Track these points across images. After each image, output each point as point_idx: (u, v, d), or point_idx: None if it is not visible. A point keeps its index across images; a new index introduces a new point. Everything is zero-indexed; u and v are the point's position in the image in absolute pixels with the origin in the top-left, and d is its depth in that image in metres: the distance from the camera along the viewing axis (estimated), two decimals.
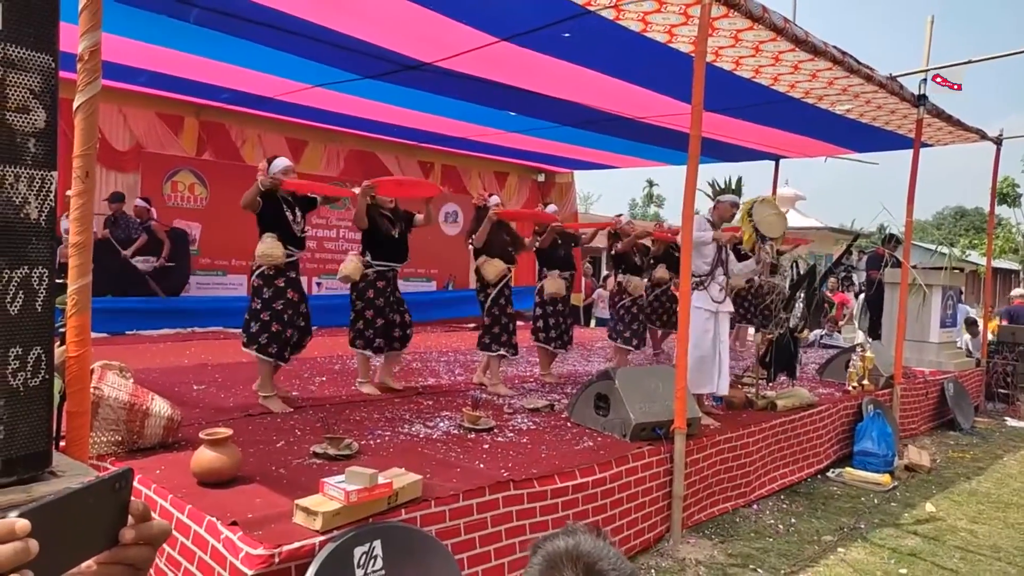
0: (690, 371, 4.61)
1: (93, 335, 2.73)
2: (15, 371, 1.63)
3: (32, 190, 1.64)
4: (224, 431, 3.17)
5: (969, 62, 6.65)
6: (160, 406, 3.64)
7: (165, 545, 2.74)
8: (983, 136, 8.02)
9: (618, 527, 3.88)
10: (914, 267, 7.87)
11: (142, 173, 9.02)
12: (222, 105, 8.96)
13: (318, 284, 10.37)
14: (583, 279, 13.27)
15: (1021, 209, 32.74)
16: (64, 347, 2.60)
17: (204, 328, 8.80)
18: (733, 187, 5.33)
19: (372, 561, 2.56)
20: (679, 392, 4.22)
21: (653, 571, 3.82)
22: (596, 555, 0.88)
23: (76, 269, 2.58)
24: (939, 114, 6.93)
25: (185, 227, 9.20)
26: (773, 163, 10.18)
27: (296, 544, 2.51)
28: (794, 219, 23.04)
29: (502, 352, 5.83)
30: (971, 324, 10.66)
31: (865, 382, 6.85)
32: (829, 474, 5.80)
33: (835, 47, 5.26)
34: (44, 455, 1.72)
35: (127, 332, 8.10)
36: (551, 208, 6.89)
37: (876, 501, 5.20)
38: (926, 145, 7.84)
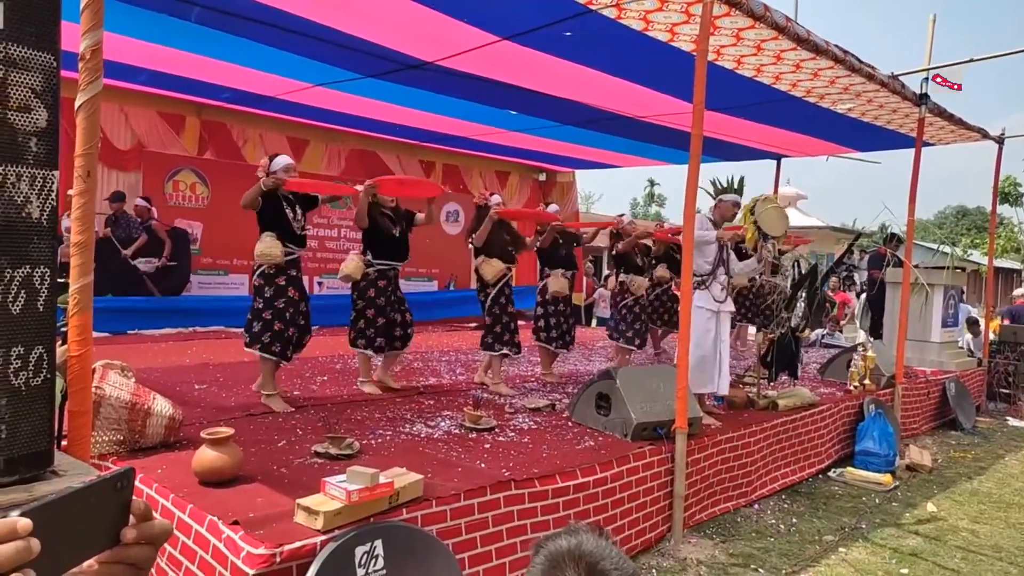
0: (691, 371, 4.61)
1: (94, 334, 2.73)
2: (17, 370, 1.63)
3: (34, 189, 1.64)
4: (225, 430, 3.17)
5: (971, 61, 6.64)
6: (162, 405, 3.64)
7: (167, 544, 2.74)
8: (985, 135, 8.01)
9: (619, 527, 3.88)
10: (916, 266, 7.86)
11: (143, 172, 9.03)
12: (223, 104, 8.97)
13: (319, 284, 10.37)
14: (584, 279, 13.27)
15: (1023, 208, 32.69)
16: (66, 346, 2.61)
17: (206, 328, 8.80)
18: (735, 186, 5.33)
19: (373, 561, 2.56)
20: (680, 392, 4.22)
21: (654, 571, 3.82)
22: (598, 555, 0.88)
23: (77, 268, 2.59)
24: (941, 113, 6.92)
25: (186, 226, 9.20)
26: (775, 162, 10.17)
27: (297, 543, 2.51)
28: (796, 218, 23.03)
29: (505, 351, 5.83)
30: (973, 324, 10.65)
31: (866, 382, 6.84)
32: (830, 474, 5.80)
33: (837, 46, 5.26)
34: (46, 454, 1.72)
35: (129, 331, 8.10)
36: (552, 207, 6.89)
37: (877, 501, 5.19)
38: (928, 144, 7.83)
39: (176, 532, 2.76)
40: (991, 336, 9.60)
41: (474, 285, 6.20)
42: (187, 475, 3.12)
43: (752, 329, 9.18)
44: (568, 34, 5.13)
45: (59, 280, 1.74)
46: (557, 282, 6.36)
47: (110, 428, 3.46)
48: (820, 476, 5.75)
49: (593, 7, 4.55)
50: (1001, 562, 4.17)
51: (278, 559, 2.43)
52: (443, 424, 4.51)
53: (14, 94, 1.59)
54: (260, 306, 4.65)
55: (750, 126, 7.91)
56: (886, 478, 5.58)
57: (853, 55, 5.45)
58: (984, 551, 4.33)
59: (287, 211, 4.74)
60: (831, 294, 12.07)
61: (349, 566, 2.49)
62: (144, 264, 8.49)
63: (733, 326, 7.39)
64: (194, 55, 6.49)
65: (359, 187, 5.26)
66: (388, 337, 5.39)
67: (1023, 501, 5.40)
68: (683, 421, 4.20)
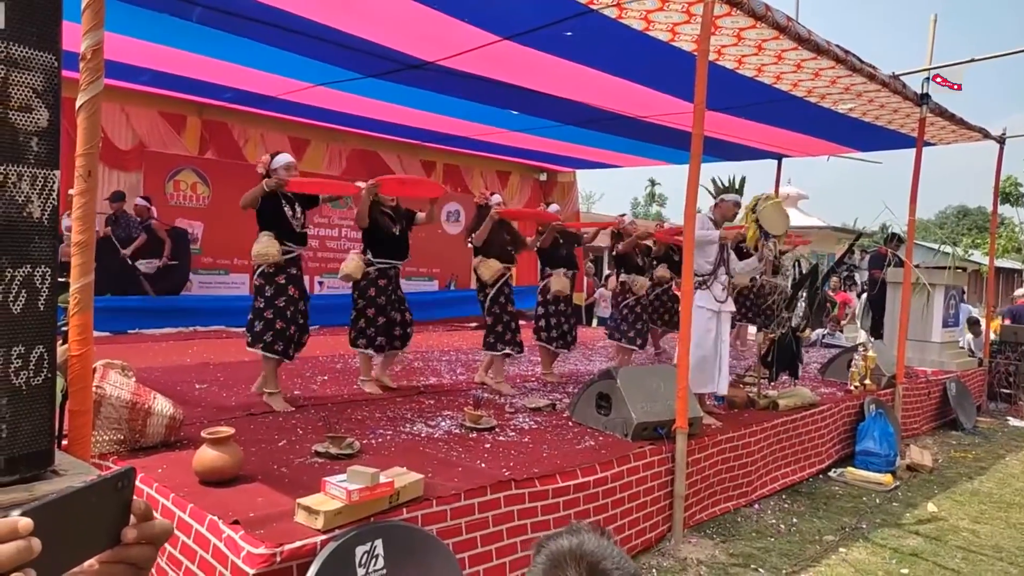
0: (692, 371, 4.61)
1: (95, 334, 2.73)
2: (18, 370, 1.63)
3: (35, 189, 1.64)
4: (226, 430, 3.17)
5: (972, 60, 6.63)
6: (162, 405, 3.65)
7: (167, 544, 2.74)
8: (986, 135, 8.01)
9: (620, 526, 3.88)
10: (916, 266, 7.85)
11: (144, 172, 9.03)
12: (225, 104, 8.97)
13: (320, 283, 10.37)
14: (585, 278, 13.27)
15: (1023, 208, 32.68)
16: (66, 346, 2.61)
17: (206, 327, 8.81)
18: (736, 186, 5.32)
19: (373, 560, 2.56)
20: (681, 391, 4.22)
21: (655, 571, 3.82)
22: (600, 554, 0.88)
23: (78, 268, 2.59)
24: (942, 113, 6.92)
25: (187, 226, 9.20)
26: (776, 162, 10.17)
27: (298, 543, 2.51)
28: (796, 218, 23.01)
29: (507, 351, 5.83)
30: (973, 324, 10.65)
31: (867, 382, 6.84)
32: (831, 474, 5.80)
33: (838, 45, 5.26)
34: (46, 454, 1.72)
35: (129, 331, 8.11)
36: (553, 207, 6.89)
37: (878, 501, 5.19)
38: (929, 144, 7.82)
39: (176, 531, 2.76)
40: (992, 336, 9.60)
41: (474, 285, 6.21)
42: (187, 474, 3.12)
43: (752, 329, 9.18)
44: (569, 34, 5.13)
45: (60, 279, 1.74)
46: (559, 282, 6.36)
47: (111, 427, 3.47)
48: (820, 476, 5.75)
49: (594, 7, 4.55)
50: (1002, 562, 4.17)
51: (278, 559, 2.43)
52: (443, 424, 4.51)
53: (15, 94, 1.60)
54: (261, 305, 4.65)
55: (751, 126, 7.91)
56: (887, 478, 5.58)
57: (854, 55, 5.45)
58: (985, 551, 4.33)
59: (286, 209, 4.74)
60: (832, 294, 12.07)
61: (349, 566, 2.49)
62: (145, 266, 8.49)
63: (733, 326, 7.39)
64: (195, 55, 6.50)
65: (360, 184, 5.25)
66: (388, 336, 5.39)
67: (1023, 501, 5.40)
68: (683, 421, 4.20)
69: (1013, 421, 8.40)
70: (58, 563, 0.65)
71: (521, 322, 6.20)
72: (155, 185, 9.03)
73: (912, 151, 7.05)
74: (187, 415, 3.92)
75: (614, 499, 3.87)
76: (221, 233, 9.22)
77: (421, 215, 5.64)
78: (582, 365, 7.72)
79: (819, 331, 10.62)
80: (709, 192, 5.28)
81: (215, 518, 2.67)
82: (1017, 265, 32.64)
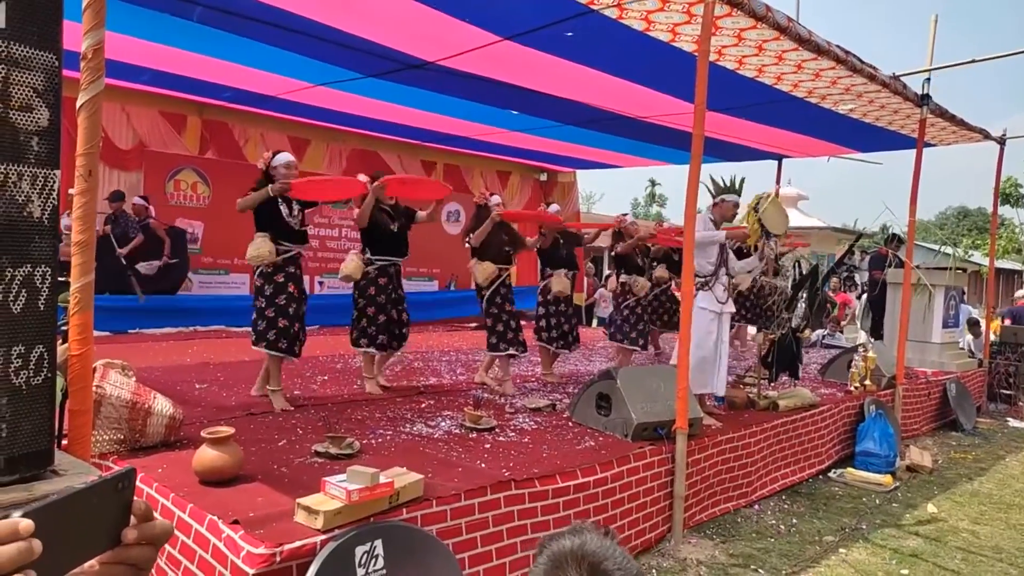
0: (692, 371, 4.61)
1: (95, 333, 2.73)
2: (18, 369, 1.63)
3: (35, 189, 1.64)
4: (226, 430, 3.17)
5: (973, 61, 6.63)
6: (162, 405, 3.65)
7: (166, 544, 2.74)
8: (986, 136, 8.00)
9: (619, 527, 3.88)
10: (917, 267, 7.85)
11: (145, 172, 9.03)
12: (225, 104, 8.97)
13: (320, 283, 10.37)
14: (585, 279, 13.27)
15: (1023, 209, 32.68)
16: (66, 345, 2.61)
17: (206, 327, 8.81)
18: (735, 187, 5.31)
19: (373, 560, 2.56)
20: (681, 392, 4.22)
21: (655, 571, 3.82)
22: (601, 555, 0.87)
23: (79, 267, 2.58)
24: (942, 114, 6.91)
25: (188, 226, 9.20)
26: (776, 163, 10.16)
27: (297, 543, 2.51)
28: (797, 219, 23.00)
29: (511, 352, 5.82)
30: (973, 324, 10.65)
31: (867, 382, 6.84)
32: (831, 474, 5.79)
33: (838, 46, 5.25)
34: (46, 453, 1.72)
35: (129, 331, 8.11)
36: (553, 207, 6.88)
37: (878, 502, 5.19)
38: (929, 145, 7.82)
39: (176, 531, 2.76)
40: (992, 337, 9.59)
41: (474, 285, 6.21)
42: (187, 474, 3.12)
43: (752, 329, 9.18)
44: (569, 34, 5.13)
45: (59, 279, 1.74)
46: (560, 282, 6.36)
47: (111, 427, 3.47)
48: (820, 477, 5.75)
49: (595, 7, 4.55)
50: (1001, 563, 4.17)
51: (278, 558, 2.43)
52: (443, 424, 4.51)
53: (16, 93, 1.60)
54: (262, 305, 4.67)
55: (751, 126, 7.90)
56: (886, 479, 5.58)
57: (855, 56, 5.45)
58: (984, 552, 4.33)
59: (282, 208, 4.73)
60: (832, 295, 12.07)
61: (349, 566, 2.49)
62: (146, 267, 8.48)
63: (732, 326, 7.39)
64: (196, 54, 6.49)
65: (362, 177, 5.25)
66: (390, 334, 5.40)
67: (1023, 502, 5.39)
68: (683, 421, 4.20)
69: (1013, 422, 8.39)
70: (59, 564, 0.65)
71: (522, 322, 6.20)
72: (155, 185, 9.03)
73: (912, 152, 7.05)
74: (187, 415, 3.92)
75: (614, 499, 3.87)
76: (221, 233, 9.22)
77: (422, 214, 5.63)
78: (582, 365, 7.72)
79: (819, 332, 10.62)
80: (709, 191, 5.27)
81: (215, 518, 2.67)
82: (1017, 266, 32.63)
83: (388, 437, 4.12)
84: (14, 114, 1.60)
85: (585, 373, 6.96)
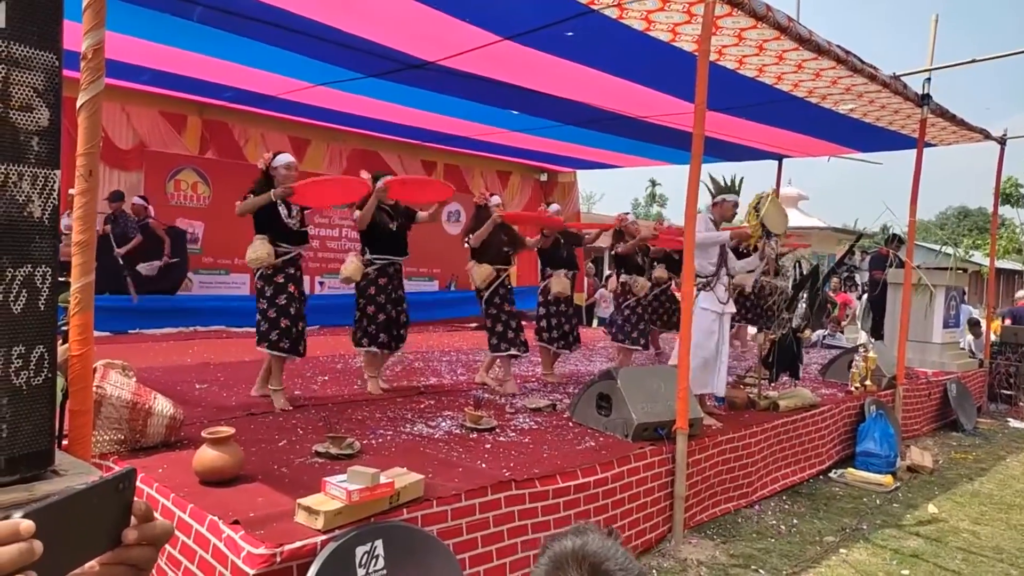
0: (694, 372, 4.60)
1: (95, 334, 2.73)
2: (18, 370, 1.63)
3: (35, 189, 1.64)
4: (226, 430, 3.17)
5: (973, 61, 6.63)
6: (162, 405, 3.64)
7: (167, 544, 2.74)
8: (987, 136, 8.00)
9: (620, 527, 3.87)
10: (917, 267, 7.85)
11: (145, 172, 9.02)
12: (225, 104, 8.97)
13: (320, 283, 10.37)
14: (586, 279, 13.27)
15: None
16: (66, 345, 2.60)
17: (206, 327, 8.81)
18: (734, 186, 5.30)
19: (374, 561, 2.56)
20: (681, 392, 4.21)
21: (655, 571, 3.81)
22: (603, 555, 0.87)
23: (79, 267, 2.58)
24: (943, 114, 6.91)
25: (188, 226, 9.20)
26: (776, 162, 10.16)
27: (298, 543, 2.51)
28: (797, 219, 23.01)
29: (512, 352, 5.82)
30: (974, 325, 10.65)
31: (867, 383, 6.84)
32: (831, 475, 5.79)
33: (839, 46, 5.25)
34: (47, 454, 1.71)
35: (130, 331, 8.10)
36: (554, 207, 6.88)
37: (878, 502, 5.19)
38: (930, 145, 7.82)
39: (176, 532, 2.75)
40: (992, 337, 9.59)
41: (473, 286, 6.21)
42: (188, 475, 3.12)
43: (752, 329, 9.18)
44: (570, 34, 5.13)
45: (60, 279, 1.74)
46: (559, 283, 6.36)
47: (111, 427, 3.46)
48: (821, 477, 5.75)
49: (595, 7, 4.55)
50: (1002, 564, 4.17)
51: (278, 559, 2.43)
52: (444, 424, 4.51)
53: (16, 93, 1.59)
54: (264, 306, 4.69)
55: (752, 126, 7.90)
56: (887, 479, 5.58)
57: (855, 55, 5.45)
58: (985, 552, 4.32)
59: (280, 210, 4.74)
60: (832, 295, 12.06)
61: (349, 566, 2.49)
62: (146, 268, 8.48)
63: (731, 326, 7.39)
64: (196, 54, 6.49)
65: (364, 174, 5.25)
66: (390, 333, 5.40)
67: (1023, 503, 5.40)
68: (684, 422, 4.20)
69: (1013, 422, 8.39)
70: (59, 565, 0.65)
71: (523, 323, 6.19)
72: (156, 185, 9.03)
73: (913, 152, 7.05)
74: (187, 415, 3.92)
75: (614, 500, 3.87)
76: (222, 233, 9.21)
77: (423, 214, 5.63)
78: (582, 366, 7.72)
79: (819, 332, 10.62)
80: (708, 190, 5.26)
81: (215, 518, 2.67)
82: (1018, 266, 32.64)
83: (388, 437, 4.12)
84: (14, 114, 1.60)
85: (585, 373, 6.96)
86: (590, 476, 3.74)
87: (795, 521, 4.67)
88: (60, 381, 2.27)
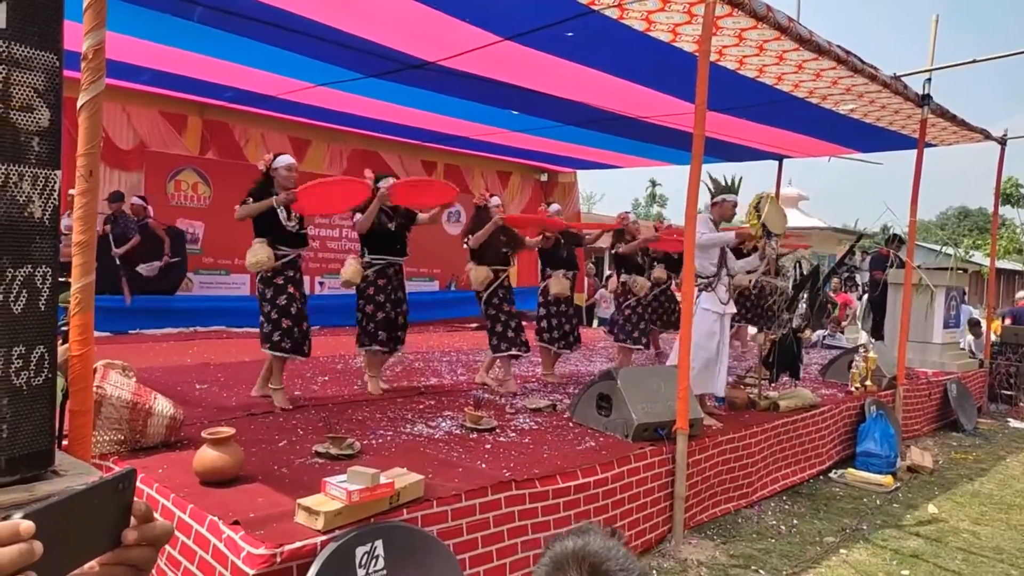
0: (695, 372, 4.60)
1: (95, 334, 2.73)
2: (18, 370, 1.63)
3: (36, 189, 1.64)
4: (226, 430, 3.17)
5: (974, 61, 6.63)
6: (163, 405, 3.64)
7: (167, 544, 2.74)
8: (987, 136, 8.00)
9: (620, 527, 3.87)
10: (917, 267, 7.85)
11: (145, 172, 9.02)
12: (225, 104, 8.97)
13: (320, 283, 10.37)
14: (586, 279, 13.26)
15: None
16: (67, 346, 2.61)
17: (207, 327, 8.80)
18: (733, 186, 5.29)
19: (374, 561, 2.56)
20: (681, 392, 4.21)
21: (655, 572, 3.81)
22: (603, 555, 0.87)
23: (79, 268, 2.58)
24: (943, 114, 6.91)
25: (188, 226, 9.21)
26: (776, 163, 10.16)
27: (298, 544, 2.51)
28: (797, 219, 23.02)
29: (513, 352, 5.82)
30: (974, 325, 10.64)
31: (868, 383, 6.83)
32: (831, 475, 5.79)
33: (839, 46, 5.25)
34: (47, 454, 1.71)
35: (130, 331, 8.10)
36: (554, 207, 6.87)
37: (878, 502, 5.19)
38: (930, 145, 7.82)
39: (176, 532, 2.75)
40: (992, 337, 9.59)
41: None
42: (188, 475, 3.12)
43: (752, 329, 9.18)
44: (570, 34, 5.13)
45: (60, 279, 1.74)
46: (558, 283, 6.35)
47: (111, 428, 3.46)
48: (821, 477, 5.75)
49: (595, 7, 4.55)
50: (1002, 564, 4.17)
51: (278, 559, 2.43)
52: (444, 424, 4.51)
53: (17, 93, 1.59)
54: (267, 309, 4.72)
55: (752, 127, 7.90)
56: (887, 479, 5.58)
57: (855, 56, 5.44)
58: (985, 553, 4.32)
59: (280, 212, 4.76)
60: (832, 295, 12.06)
61: (350, 566, 2.49)
62: (147, 269, 8.47)
63: (731, 326, 7.38)
64: (196, 55, 6.49)
65: (369, 173, 5.26)
66: (389, 334, 5.40)
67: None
68: (684, 422, 4.20)
69: (1014, 422, 8.39)
70: (59, 565, 0.65)
71: (524, 322, 6.19)
72: (156, 185, 9.03)
73: (913, 152, 7.05)
74: (187, 415, 3.92)
75: (614, 500, 3.87)
76: (222, 233, 9.21)
77: (423, 216, 5.64)
78: (583, 366, 7.72)
79: (820, 332, 10.61)
80: (708, 189, 5.24)
81: (215, 518, 2.67)
82: (1018, 267, 32.65)
83: (388, 438, 4.12)
84: (15, 114, 1.60)
85: (586, 373, 6.96)
86: (590, 476, 3.74)
87: (795, 521, 4.67)
88: (60, 381, 2.27)
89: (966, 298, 10.75)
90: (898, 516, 4.91)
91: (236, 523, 2.60)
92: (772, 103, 6.71)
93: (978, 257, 27.90)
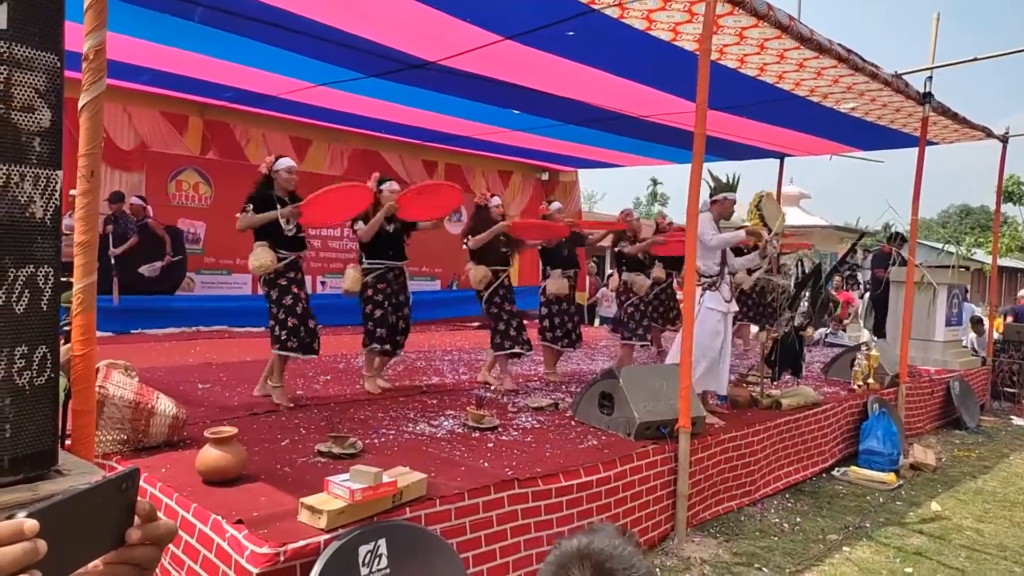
0: (698, 372, 4.59)
1: (98, 334, 2.73)
2: (21, 370, 1.63)
3: (37, 189, 1.64)
4: (229, 430, 3.17)
5: (975, 59, 6.62)
6: (165, 405, 3.65)
7: (170, 544, 2.74)
8: (989, 134, 7.99)
9: (622, 525, 3.87)
10: (919, 265, 7.84)
11: (146, 172, 9.04)
12: (226, 104, 8.97)
13: (322, 283, 10.38)
14: (587, 278, 13.26)
15: None
16: (69, 345, 2.61)
17: (209, 327, 8.81)
18: (732, 184, 5.28)
19: (377, 560, 2.56)
20: (683, 391, 4.21)
21: (658, 570, 3.81)
22: (607, 554, 0.87)
23: (81, 268, 2.59)
24: (945, 112, 6.90)
25: (190, 226, 9.21)
26: (778, 161, 10.15)
27: (301, 542, 2.51)
28: (799, 217, 23.00)
29: (516, 350, 5.82)
30: (977, 323, 10.63)
31: (870, 381, 6.83)
32: (834, 473, 5.79)
33: (840, 44, 5.24)
34: (50, 453, 1.72)
35: (132, 331, 8.11)
36: (555, 206, 6.86)
37: (881, 500, 5.18)
38: (932, 143, 7.81)
39: (180, 531, 2.76)
40: (995, 335, 9.57)
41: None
42: (191, 474, 3.12)
43: (754, 328, 9.17)
44: (571, 34, 5.12)
45: (61, 279, 1.74)
46: (555, 283, 6.36)
47: (114, 427, 3.47)
48: (824, 475, 5.74)
49: (596, 7, 4.54)
50: (1006, 561, 4.16)
51: (282, 558, 2.43)
52: (446, 423, 4.51)
53: (18, 94, 1.60)
54: (275, 310, 4.76)
55: (753, 125, 7.89)
56: (890, 477, 5.57)
57: (856, 54, 5.43)
58: (988, 550, 4.32)
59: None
60: (835, 293, 12.06)
61: (353, 565, 2.49)
62: (148, 269, 8.47)
63: (733, 325, 7.37)
64: (197, 55, 6.50)
65: (375, 176, 5.27)
66: (392, 335, 5.41)
67: None
68: (686, 420, 4.20)
69: (1017, 420, 8.37)
70: (63, 564, 0.65)
71: (525, 322, 6.18)
72: (157, 185, 9.04)
73: (914, 150, 7.03)
74: (190, 415, 3.93)
75: (617, 498, 3.87)
76: (223, 233, 9.19)
77: (426, 223, 5.67)
78: (585, 364, 7.72)
79: (822, 330, 10.61)
80: (709, 186, 5.23)
81: (218, 518, 2.67)
82: (1020, 264, 32.59)
83: (391, 436, 4.13)
84: (16, 115, 1.60)
85: (588, 372, 6.96)
86: (593, 475, 3.74)
87: (798, 519, 4.67)
88: (63, 381, 2.28)
89: (968, 296, 10.72)
90: (901, 514, 4.90)
91: (239, 522, 2.61)
92: (773, 101, 6.70)
93: (980, 255, 27.86)
